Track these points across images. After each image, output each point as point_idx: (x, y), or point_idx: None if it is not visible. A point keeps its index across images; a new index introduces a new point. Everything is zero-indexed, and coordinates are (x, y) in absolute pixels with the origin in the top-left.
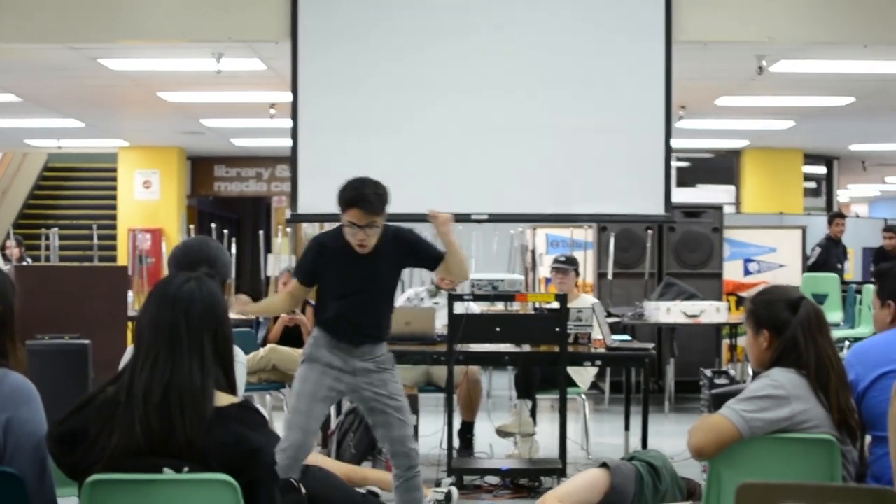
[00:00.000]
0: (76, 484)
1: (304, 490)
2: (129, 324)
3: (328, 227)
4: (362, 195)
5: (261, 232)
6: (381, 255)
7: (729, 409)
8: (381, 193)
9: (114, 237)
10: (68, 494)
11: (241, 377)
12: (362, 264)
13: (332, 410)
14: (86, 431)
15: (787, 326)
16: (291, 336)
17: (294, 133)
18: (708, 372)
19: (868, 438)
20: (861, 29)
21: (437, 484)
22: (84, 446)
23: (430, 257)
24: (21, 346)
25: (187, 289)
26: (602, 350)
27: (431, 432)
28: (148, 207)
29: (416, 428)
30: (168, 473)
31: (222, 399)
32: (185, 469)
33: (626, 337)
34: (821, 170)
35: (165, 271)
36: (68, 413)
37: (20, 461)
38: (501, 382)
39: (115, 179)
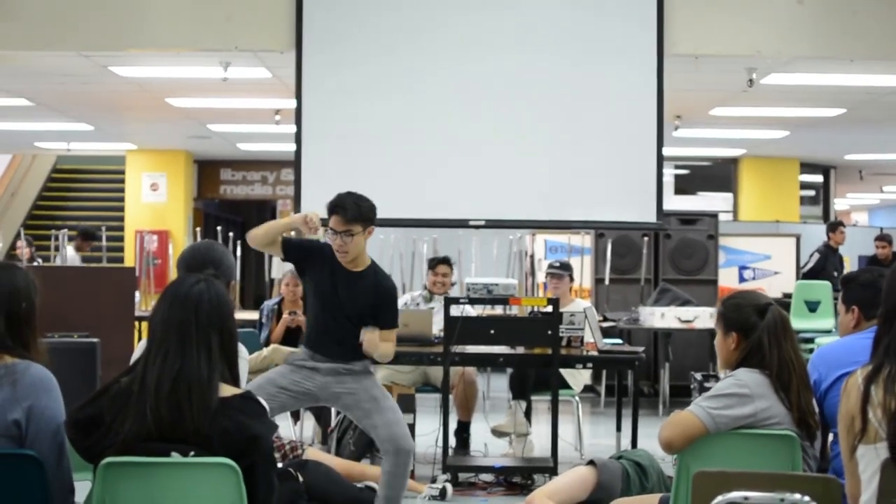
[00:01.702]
0: (90, 468)
1: (301, 479)
2: (136, 323)
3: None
4: (341, 203)
5: None
6: (363, 280)
7: (696, 406)
8: (362, 206)
9: (121, 238)
10: (82, 479)
11: (243, 371)
12: (346, 280)
13: (333, 409)
14: (101, 418)
15: (754, 330)
16: (293, 337)
17: (298, 139)
18: (698, 375)
19: (830, 436)
20: (846, 44)
21: (433, 480)
22: (99, 432)
23: (385, 318)
24: (42, 341)
25: (197, 289)
26: (594, 353)
27: (428, 431)
28: (155, 210)
29: (412, 427)
30: (175, 457)
31: (226, 390)
32: (192, 453)
33: (619, 340)
34: (818, 178)
35: (172, 272)
36: (85, 401)
37: (41, 445)
38: (500, 384)
39: (122, 182)
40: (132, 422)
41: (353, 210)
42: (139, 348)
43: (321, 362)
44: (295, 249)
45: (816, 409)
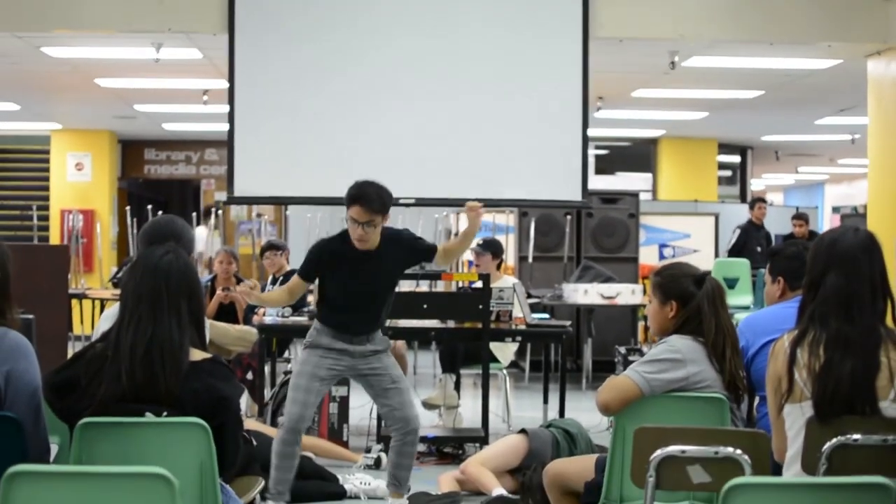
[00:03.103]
0: (60, 431)
1: (254, 444)
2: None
3: (257, 209)
4: (364, 193)
5: (193, 214)
6: (381, 256)
7: (632, 371)
8: (383, 196)
9: (46, 217)
10: (51, 441)
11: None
12: (364, 264)
13: (267, 382)
14: (77, 381)
15: (692, 298)
16: (226, 312)
17: (231, 119)
18: (622, 349)
19: (756, 399)
20: (766, 28)
21: (368, 450)
22: (75, 394)
23: (425, 251)
24: (16, 308)
25: (166, 260)
26: (522, 327)
27: (361, 404)
28: (80, 189)
29: (347, 400)
30: (149, 417)
31: (196, 355)
32: (164, 413)
33: (546, 315)
34: (735, 159)
35: (98, 251)
36: (61, 366)
37: (18, 407)
38: (426, 360)
39: (47, 161)
40: (108, 384)
41: (377, 202)
42: (106, 316)
43: (350, 344)
44: (312, 274)
45: (744, 374)
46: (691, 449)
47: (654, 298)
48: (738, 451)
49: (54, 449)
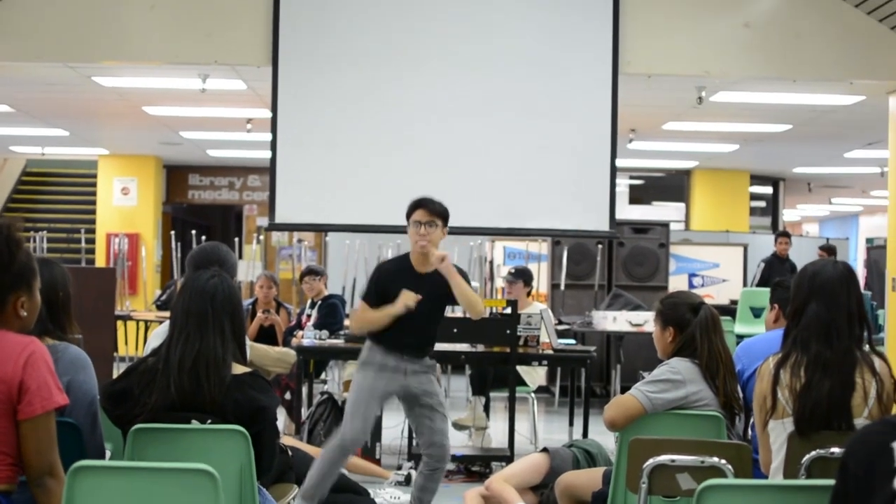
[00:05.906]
0: (114, 438)
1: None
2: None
3: (297, 235)
4: (425, 199)
5: (235, 239)
6: (434, 279)
7: (636, 390)
8: (442, 205)
9: (93, 241)
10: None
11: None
12: (422, 283)
13: (304, 402)
14: (131, 391)
15: (688, 325)
16: (266, 334)
17: (273, 148)
18: (645, 374)
19: (753, 419)
20: (789, 65)
21: (399, 468)
22: (129, 403)
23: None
24: (76, 325)
25: (212, 283)
26: (549, 351)
27: (394, 424)
28: (125, 213)
29: (380, 420)
30: (195, 424)
31: (237, 368)
32: (209, 421)
33: (572, 341)
34: (768, 190)
35: (143, 274)
36: (117, 378)
37: (77, 415)
38: (459, 384)
39: (94, 185)
40: (158, 394)
41: (438, 205)
42: (156, 334)
43: (409, 363)
44: (374, 296)
45: (741, 395)
46: (680, 458)
47: (656, 324)
48: (723, 461)
49: (108, 455)
